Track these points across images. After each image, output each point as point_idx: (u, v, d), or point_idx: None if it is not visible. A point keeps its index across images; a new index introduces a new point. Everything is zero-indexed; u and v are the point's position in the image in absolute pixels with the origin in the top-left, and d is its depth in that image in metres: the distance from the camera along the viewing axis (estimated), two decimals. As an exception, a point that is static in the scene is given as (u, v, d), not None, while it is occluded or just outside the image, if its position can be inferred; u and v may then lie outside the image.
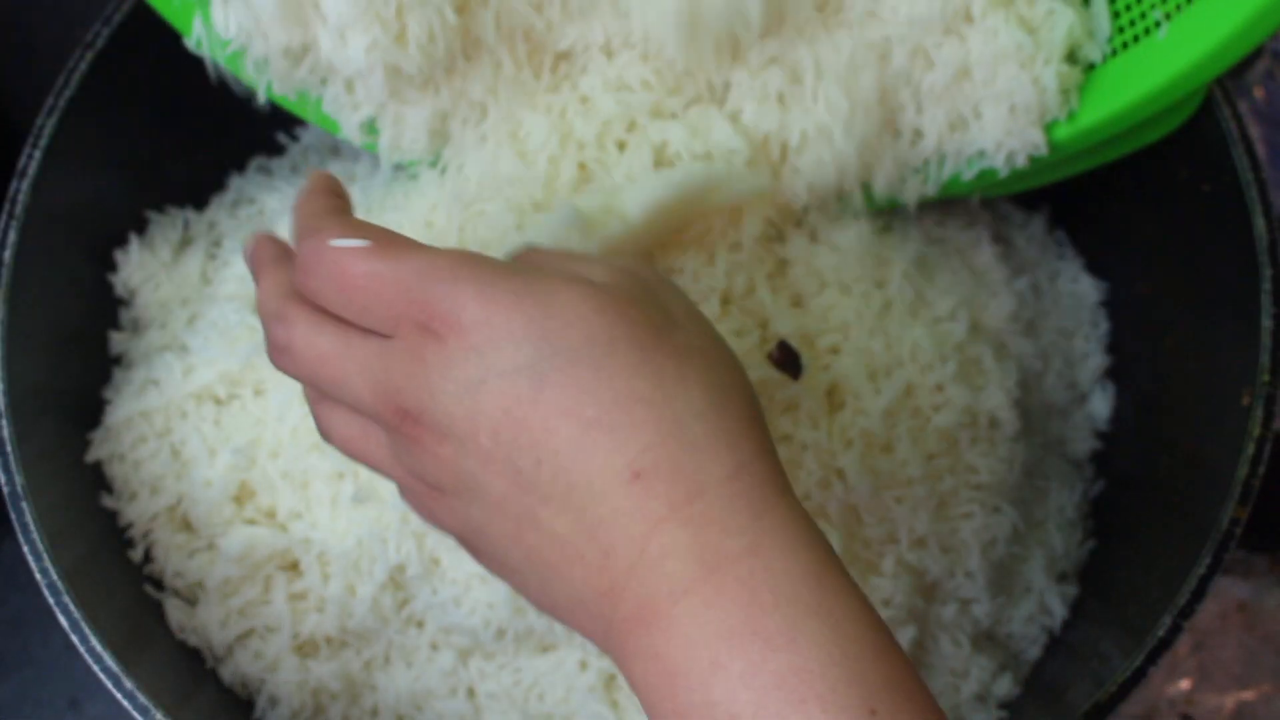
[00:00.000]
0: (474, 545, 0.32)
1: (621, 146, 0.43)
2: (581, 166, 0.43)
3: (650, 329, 0.30)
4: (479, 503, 0.30)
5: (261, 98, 0.44)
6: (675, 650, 0.27)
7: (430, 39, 0.40)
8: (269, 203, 0.50)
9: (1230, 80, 0.44)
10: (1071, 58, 0.41)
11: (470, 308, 0.29)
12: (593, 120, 0.43)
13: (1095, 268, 0.52)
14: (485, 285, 0.30)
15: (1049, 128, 0.42)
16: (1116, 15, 0.41)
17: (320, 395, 0.33)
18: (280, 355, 0.33)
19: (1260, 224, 0.43)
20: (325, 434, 0.34)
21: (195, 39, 0.43)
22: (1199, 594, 0.40)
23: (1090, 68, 0.41)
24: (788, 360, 0.41)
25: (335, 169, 0.50)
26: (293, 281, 0.33)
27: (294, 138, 0.52)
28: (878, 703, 0.26)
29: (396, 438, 0.31)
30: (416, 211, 0.44)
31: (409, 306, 0.30)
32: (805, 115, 0.42)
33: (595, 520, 0.29)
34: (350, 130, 0.44)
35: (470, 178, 0.43)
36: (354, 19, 0.39)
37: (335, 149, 0.52)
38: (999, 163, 0.42)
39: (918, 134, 0.42)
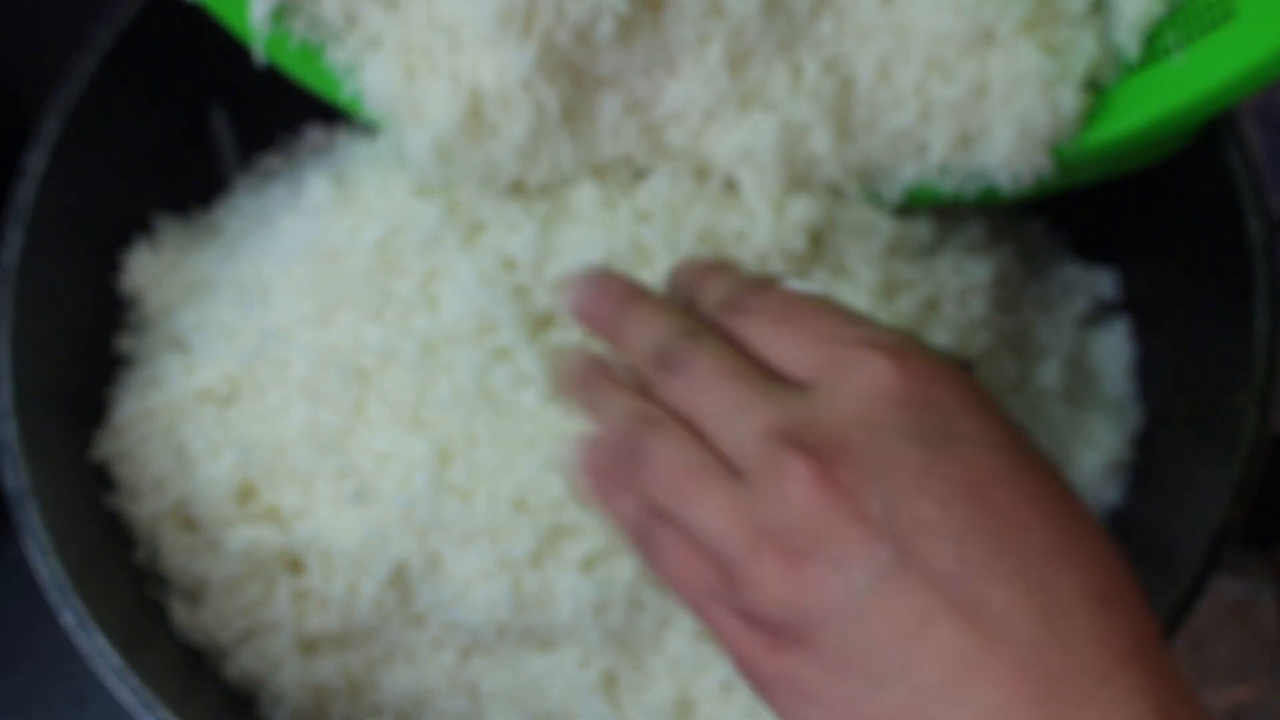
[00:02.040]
0: (814, 693, 0.27)
1: None
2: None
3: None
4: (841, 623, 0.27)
5: (259, 59, 0.42)
6: None
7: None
8: (273, 204, 0.50)
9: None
10: (1089, 83, 0.41)
11: (956, 388, 0.28)
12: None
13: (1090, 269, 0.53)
14: (957, 374, 0.29)
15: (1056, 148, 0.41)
16: None
17: (656, 515, 0.30)
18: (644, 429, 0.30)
19: (1255, 226, 0.44)
20: (654, 560, 0.31)
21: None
22: (1195, 593, 0.40)
23: (1098, 89, 0.41)
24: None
25: (332, 164, 0.50)
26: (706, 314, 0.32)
27: (298, 136, 0.53)
28: None
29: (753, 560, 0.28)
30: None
31: (858, 348, 0.29)
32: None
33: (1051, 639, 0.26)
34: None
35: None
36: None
37: (336, 148, 0.52)
38: (1004, 182, 0.42)
39: (922, 147, 0.42)
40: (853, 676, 0.26)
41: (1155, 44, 0.40)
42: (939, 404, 0.28)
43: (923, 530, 0.26)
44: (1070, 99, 0.40)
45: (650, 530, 0.31)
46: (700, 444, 0.30)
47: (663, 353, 0.32)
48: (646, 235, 0.42)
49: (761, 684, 0.29)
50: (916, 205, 0.44)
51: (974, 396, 0.29)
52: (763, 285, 0.33)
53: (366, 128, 0.45)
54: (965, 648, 0.25)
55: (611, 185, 0.43)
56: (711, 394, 0.30)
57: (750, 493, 0.28)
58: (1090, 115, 0.41)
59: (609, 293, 0.35)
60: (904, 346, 0.29)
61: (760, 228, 0.42)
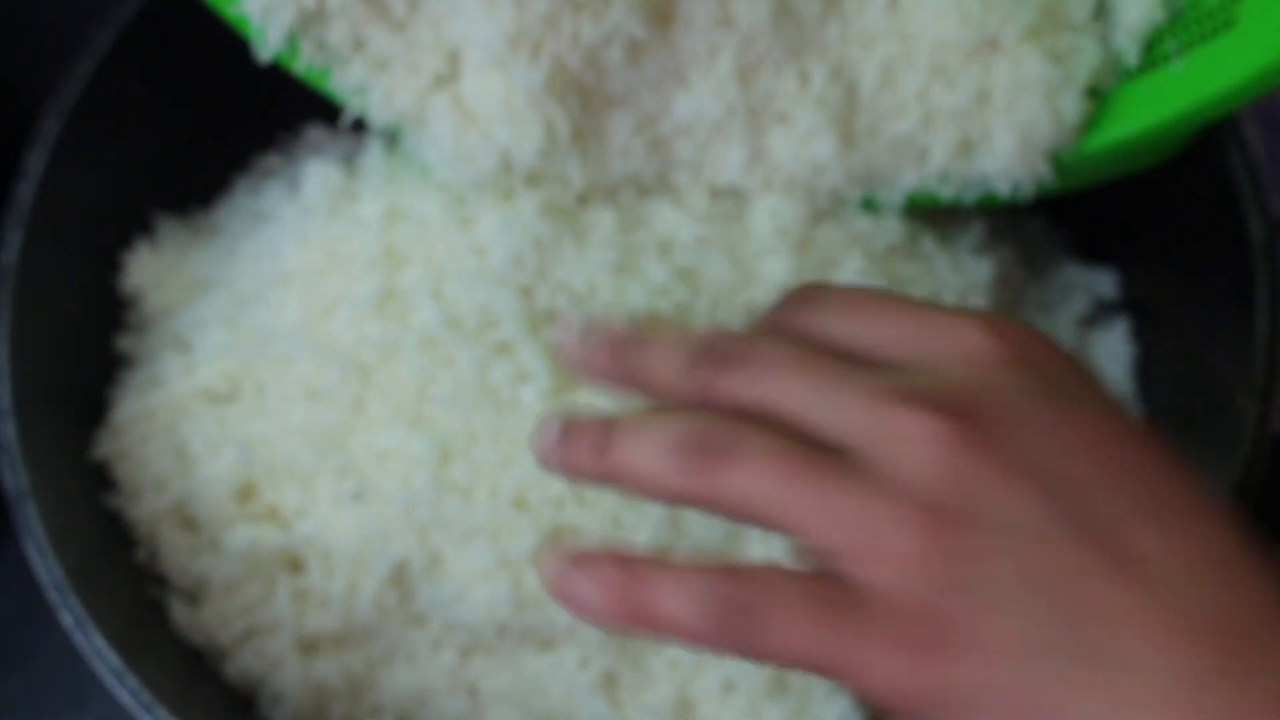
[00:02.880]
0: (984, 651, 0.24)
1: None
2: None
3: None
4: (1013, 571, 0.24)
5: (266, 55, 0.42)
6: None
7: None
8: (274, 202, 0.50)
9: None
10: (1092, 90, 0.41)
11: (1052, 351, 0.27)
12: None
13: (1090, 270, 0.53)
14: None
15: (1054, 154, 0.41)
16: None
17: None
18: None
19: (1255, 227, 0.44)
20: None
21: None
22: (1195, 592, 0.40)
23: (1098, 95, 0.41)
24: None
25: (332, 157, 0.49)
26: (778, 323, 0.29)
27: (298, 136, 0.53)
28: None
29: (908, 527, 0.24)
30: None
31: (956, 325, 0.27)
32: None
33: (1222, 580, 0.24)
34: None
35: None
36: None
37: (336, 146, 0.52)
38: (1003, 189, 0.42)
39: (923, 154, 0.42)
40: (1017, 658, 0.24)
41: (1154, 50, 0.40)
42: (1043, 365, 0.27)
43: (1065, 484, 0.25)
44: (1073, 106, 0.40)
45: (740, 597, 0.25)
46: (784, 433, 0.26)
47: (712, 353, 0.27)
48: (660, 269, 0.42)
49: (931, 712, 0.24)
50: (913, 210, 0.44)
51: (1069, 359, 0.28)
52: (820, 285, 0.31)
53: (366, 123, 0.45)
54: (1127, 602, 0.24)
55: (627, 213, 0.43)
56: (791, 377, 0.26)
57: (868, 466, 0.25)
58: (1089, 120, 0.41)
59: (610, 336, 0.30)
60: (989, 314, 0.28)
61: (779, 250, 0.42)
